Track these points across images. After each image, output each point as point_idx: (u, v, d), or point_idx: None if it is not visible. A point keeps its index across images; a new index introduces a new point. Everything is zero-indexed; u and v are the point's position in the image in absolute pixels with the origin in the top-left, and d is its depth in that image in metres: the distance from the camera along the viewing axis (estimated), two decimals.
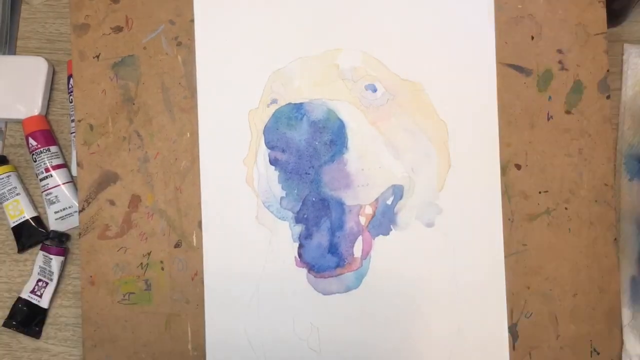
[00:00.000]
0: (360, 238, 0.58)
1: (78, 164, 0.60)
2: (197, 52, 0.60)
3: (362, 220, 0.58)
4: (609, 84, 0.58)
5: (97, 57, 0.61)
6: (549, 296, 0.58)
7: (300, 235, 0.58)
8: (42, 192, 0.65)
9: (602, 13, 0.58)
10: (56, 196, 0.65)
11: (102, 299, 0.59)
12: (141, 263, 0.59)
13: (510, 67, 0.59)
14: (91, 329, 0.59)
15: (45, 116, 0.67)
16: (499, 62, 0.59)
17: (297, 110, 0.59)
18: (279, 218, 0.59)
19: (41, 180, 0.65)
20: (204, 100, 0.59)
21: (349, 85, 0.59)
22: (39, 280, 0.63)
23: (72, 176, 0.66)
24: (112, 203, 0.60)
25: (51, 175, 0.65)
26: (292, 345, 0.58)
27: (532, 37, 0.59)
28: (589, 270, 0.58)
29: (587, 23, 0.58)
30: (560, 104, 0.58)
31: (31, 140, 0.65)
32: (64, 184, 0.65)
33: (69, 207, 0.65)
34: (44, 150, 0.65)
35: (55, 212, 0.65)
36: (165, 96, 0.60)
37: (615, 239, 0.58)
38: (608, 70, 0.58)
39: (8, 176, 0.65)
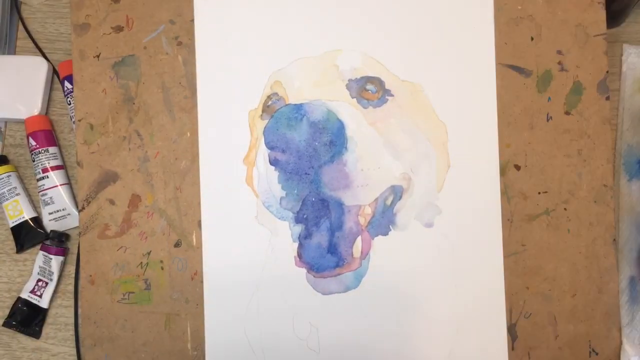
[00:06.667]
0: (359, 238, 0.58)
1: (78, 164, 0.60)
2: (197, 52, 0.60)
3: (362, 220, 0.58)
4: (608, 84, 0.58)
5: (98, 56, 0.61)
6: (548, 296, 0.58)
7: (299, 235, 0.58)
8: (39, 192, 0.65)
9: (601, 14, 0.59)
10: (51, 197, 0.64)
11: (102, 298, 0.59)
12: (141, 262, 0.59)
13: (510, 67, 0.59)
14: (90, 328, 0.59)
15: (47, 116, 0.68)
16: (498, 62, 0.59)
17: (297, 111, 0.59)
18: (279, 218, 0.59)
19: (38, 180, 0.65)
20: (204, 100, 0.60)
21: (349, 86, 0.59)
22: (39, 280, 0.63)
23: (69, 178, 0.66)
24: (112, 202, 0.60)
25: (48, 176, 0.65)
26: (291, 345, 0.58)
27: (532, 38, 0.59)
28: (588, 271, 0.58)
29: (586, 24, 0.59)
30: (560, 105, 0.58)
31: (31, 140, 0.65)
32: (60, 185, 0.65)
33: (63, 210, 0.65)
34: (42, 151, 0.65)
35: (50, 214, 0.65)
36: (165, 96, 0.60)
37: (614, 239, 0.58)
38: (607, 72, 0.58)
39: (8, 176, 0.65)
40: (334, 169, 0.59)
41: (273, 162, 0.59)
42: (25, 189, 0.66)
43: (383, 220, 0.58)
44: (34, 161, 0.65)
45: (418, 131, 0.59)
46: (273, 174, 0.59)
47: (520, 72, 0.59)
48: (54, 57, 0.69)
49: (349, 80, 0.59)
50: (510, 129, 0.58)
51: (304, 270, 0.58)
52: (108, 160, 0.60)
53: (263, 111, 0.59)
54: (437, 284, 0.57)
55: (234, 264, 0.58)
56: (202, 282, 0.59)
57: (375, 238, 0.58)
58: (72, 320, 0.64)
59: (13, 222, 0.65)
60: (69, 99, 0.66)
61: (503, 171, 0.58)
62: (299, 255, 0.58)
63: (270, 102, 0.59)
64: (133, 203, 0.60)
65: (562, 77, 0.59)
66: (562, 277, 0.58)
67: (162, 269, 0.59)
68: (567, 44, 0.59)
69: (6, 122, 0.69)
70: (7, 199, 0.65)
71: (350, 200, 0.58)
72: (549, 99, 0.59)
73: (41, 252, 0.64)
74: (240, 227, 0.59)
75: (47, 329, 0.64)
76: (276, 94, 0.59)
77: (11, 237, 0.65)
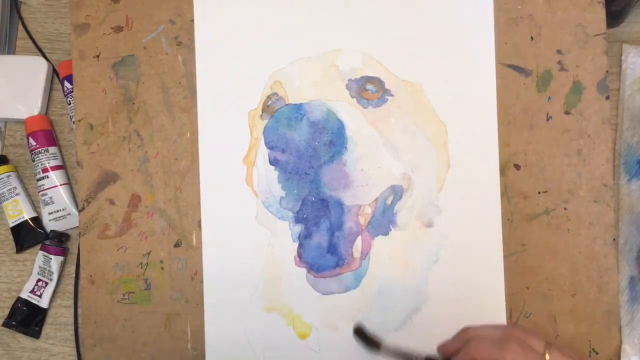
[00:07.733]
0: (359, 238, 0.58)
1: (78, 164, 0.60)
2: (197, 52, 0.60)
3: (362, 220, 0.58)
4: (608, 84, 0.58)
5: (97, 56, 0.61)
6: (548, 296, 0.58)
7: (299, 235, 0.58)
8: (39, 192, 0.65)
9: (601, 14, 0.59)
10: (51, 197, 0.64)
11: (102, 298, 0.59)
12: (141, 262, 0.59)
13: (510, 67, 0.59)
14: (90, 328, 0.59)
15: (47, 116, 0.67)
16: (498, 62, 0.59)
17: (297, 111, 0.59)
18: (279, 218, 0.59)
19: (38, 180, 0.65)
20: (204, 100, 0.60)
21: (349, 86, 0.59)
22: (39, 280, 0.63)
23: (69, 178, 0.66)
24: (112, 202, 0.60)
25: (47, 176, 0.65)
26: (291, 345, 0.58)
27: (532, 38, 0.59)
28: (587, 271, 0.58)
29: (586, 24, 0.58)
30: (560, 105, 0.58)
31: (31, 140, 0.65)
32: (60, 185, 0.65)
33: (63, 209, 0.65)
34: (42, 151, 0.65)
35: (50, 214, 0.65)
36: (165, 96, 0.60)
37: (614, 239, 0.58)
38: (607, 71, 0.58)
39: (8, 176, 0.65)
40: (334, 169, 0.59)
41: (273, 162, 0.59)
42: (25, 189, 0.66)
43: (383, 220, 0.58)
44: (33, 161, 0.65)
45: (418, 131, 0.59)
46: (273, 173, 0.59)
47: (520, 71, 0.59)
48: (53, 57, 0.69)
49: (348, 80, 0.59)
50: (510, 129, 0.58)
51: (304, 270, 0.58)
52: (108, 160, 0.60)
53: (263, 111, 0.59)
54: (437, 284, 0.57)
55: (234, 264, 0.58)
56: (202, 282, 0.59)
57: (375, 238, 0.58)
58: (72, 320, 0.64)
59: (13, 222, 0.65)
60: (68, 99, 0.66)
61: (503, 171, 0.58)
62: (299, 255, 0.58)
63: (270, 102, 0.59)
64: (133, 203, 0.60)
65: (562, 76, 0.59)
66: (562, 277, 0.58)
67: (162, 269, 0.59)
68: (567, 43, 0.59)
69: (6, 122, 0.69)
70: (6, 199, 0.65)
71: (350, 200, 0.58)
72: (549, 98, 0.59)
73: (41, 252, 0.64)
74: (240, 227, 0.59)
75: (46, 329, 0.64)
76: (276, 94, 0.59)
77: (11, 237, 0.65)
